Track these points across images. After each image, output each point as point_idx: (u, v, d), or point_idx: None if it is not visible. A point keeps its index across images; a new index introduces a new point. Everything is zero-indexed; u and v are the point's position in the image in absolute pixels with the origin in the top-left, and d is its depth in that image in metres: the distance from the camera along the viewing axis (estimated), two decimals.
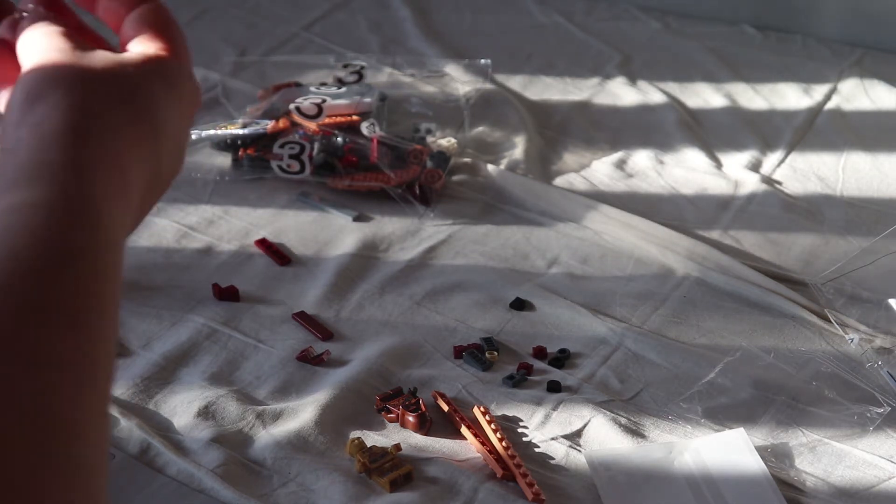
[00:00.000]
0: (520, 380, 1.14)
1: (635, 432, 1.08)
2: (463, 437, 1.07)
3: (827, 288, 1.26)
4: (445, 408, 1.09)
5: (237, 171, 1.45)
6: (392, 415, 1.09)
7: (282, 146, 1.41)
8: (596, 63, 1.77)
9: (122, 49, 0.55)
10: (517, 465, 1.02)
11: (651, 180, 1.49)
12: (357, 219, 1.38)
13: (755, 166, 1.52)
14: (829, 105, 1.67)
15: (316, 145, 1.43)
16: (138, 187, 0.53)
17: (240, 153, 1.45)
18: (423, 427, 1.07)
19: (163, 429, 1.07)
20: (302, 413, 1.08)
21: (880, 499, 1.02)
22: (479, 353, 1.16)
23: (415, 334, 1.20)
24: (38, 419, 0.43)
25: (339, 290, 1.26)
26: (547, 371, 1.16)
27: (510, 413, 1.10)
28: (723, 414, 1.10)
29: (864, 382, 1.14)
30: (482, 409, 1.09)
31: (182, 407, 1.09)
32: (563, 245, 1.35)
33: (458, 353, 1.17)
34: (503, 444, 1.04)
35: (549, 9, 1.92)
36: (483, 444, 1.05)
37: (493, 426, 1.06)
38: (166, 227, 1.35)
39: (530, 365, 1.15)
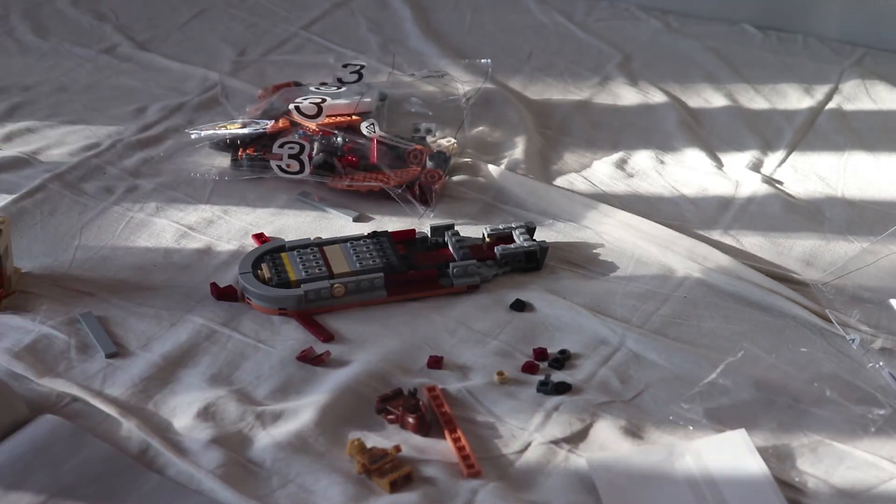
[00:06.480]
0: (553, 387, 1.12)
1: (636, 433, 1.07)
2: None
3: (828, 288, 1.26)
4: (424, 402, 1.10)
5: (237, 171, 1.44)
6: (392, 416, 1.08)
7: (281, 146, 1.41)
8: (596, 63, 1.77)
9: None
10: (455, 439, 1.04)
11: (651, 180, 1.48)
12: (357, 219, 1.38)
13: (756, 166, 1.52)
14: (831, 105, 1.66)
15: (315, 145, 1.42)
16: None
17: (239, 153, 1.45)
18: (423, 428, 1.07)
19: (162, 429, 1.07)
20: (302, 414, 1.08)
21: (881, 499, 1.02)
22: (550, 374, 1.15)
23: (415, 335, 1.20)
24: None
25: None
26: (549, 373, 1.16)
27: (510, 414, 1.10)
28: (724, 415, 1.09)
29: (866, 383, 1.14)
30: (429, 387, 1.10)
31: (182, 408, 1.09)
32: (563, 245, 1.34)
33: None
34: (443, 411, 1.06)
35: (549, 8, 1.92)
36: (456, 441, 1.05)
37: (438, 401, 1.08)
38: (165, 227, 1.35)
39: (536, 364, 1.15)
